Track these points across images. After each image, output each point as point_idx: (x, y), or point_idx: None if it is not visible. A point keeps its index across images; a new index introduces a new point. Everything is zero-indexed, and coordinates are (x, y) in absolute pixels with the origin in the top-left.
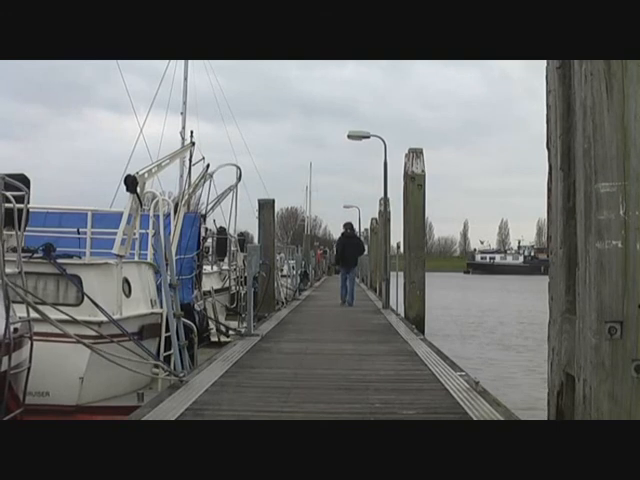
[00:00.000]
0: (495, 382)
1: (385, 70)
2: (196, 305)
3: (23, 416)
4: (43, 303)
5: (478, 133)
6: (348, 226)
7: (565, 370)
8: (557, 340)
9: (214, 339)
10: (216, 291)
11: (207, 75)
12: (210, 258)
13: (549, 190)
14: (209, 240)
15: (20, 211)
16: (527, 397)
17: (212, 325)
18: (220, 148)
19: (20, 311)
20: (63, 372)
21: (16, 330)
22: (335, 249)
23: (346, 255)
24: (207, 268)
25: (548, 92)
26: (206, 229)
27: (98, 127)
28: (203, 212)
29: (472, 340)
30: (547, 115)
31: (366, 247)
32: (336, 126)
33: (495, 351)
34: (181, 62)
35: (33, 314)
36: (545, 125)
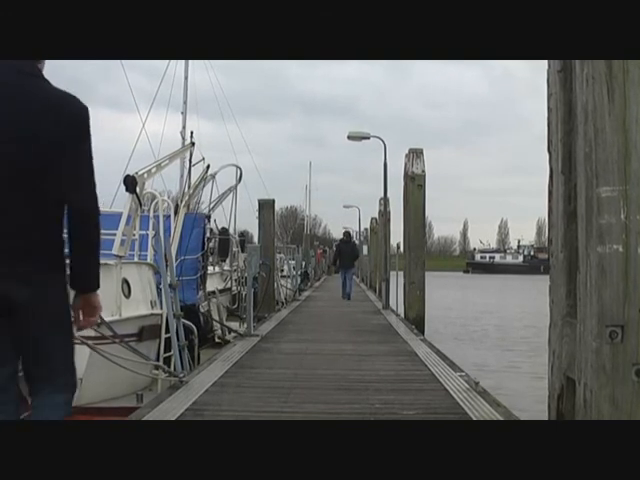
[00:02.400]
0: (495, 384)
1: (386, 68)
2: (200, 306)
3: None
4: None
5: (478, 133)
6: (346, 234)
7: (565, 374)
8: (557, 343)
9: (219, 340)
10: (219, 292)
11: (207, 73)
12: (212, 259)
13: (550, 193)
14: (212, 241)
15: None
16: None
17: (216, 326)
18: (220, 147)
19: None
20: None
21: None
22: (334, 251)
23: (342, 255)
24: (209, 269)
25: (549, 95)
26: (210, 230)
27: (99, 126)
28: (206, 212)
29: (472, 343)
30: (548, 118)
31: (365, 248)
32: (336, 125)
33: (496, 353)
34: (181, 61)
35: None
36: (546, 128)
